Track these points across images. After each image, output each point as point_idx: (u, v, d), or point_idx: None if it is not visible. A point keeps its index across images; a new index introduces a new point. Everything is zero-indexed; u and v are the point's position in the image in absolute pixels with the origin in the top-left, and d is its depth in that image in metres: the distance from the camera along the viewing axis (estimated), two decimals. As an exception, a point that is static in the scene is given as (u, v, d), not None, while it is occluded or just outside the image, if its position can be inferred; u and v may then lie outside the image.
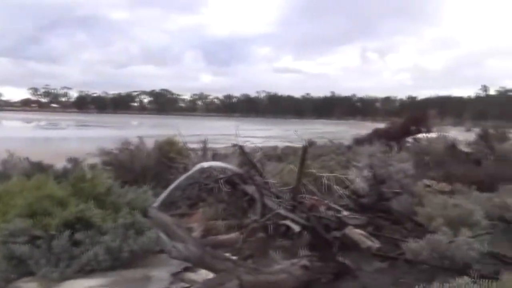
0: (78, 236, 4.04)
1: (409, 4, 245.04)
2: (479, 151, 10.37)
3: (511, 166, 9.20)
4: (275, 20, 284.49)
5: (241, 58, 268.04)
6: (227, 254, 4.42)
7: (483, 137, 11.36)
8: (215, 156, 8.40)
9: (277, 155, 14.49)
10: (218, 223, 5.98)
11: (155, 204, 5.17)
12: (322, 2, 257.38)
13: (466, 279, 3.35)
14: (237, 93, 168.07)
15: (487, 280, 3.62)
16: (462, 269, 4.09)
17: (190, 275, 3.77)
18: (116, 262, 3.98)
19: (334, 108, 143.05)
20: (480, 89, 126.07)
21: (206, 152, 8.31)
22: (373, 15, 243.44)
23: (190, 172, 4.84)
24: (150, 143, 9.27)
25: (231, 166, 6.34)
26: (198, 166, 5.10)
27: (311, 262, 4.07)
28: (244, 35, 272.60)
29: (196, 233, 5.37)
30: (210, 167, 6.13)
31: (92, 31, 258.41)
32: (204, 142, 8.45)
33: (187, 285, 3.54)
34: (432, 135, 12.43)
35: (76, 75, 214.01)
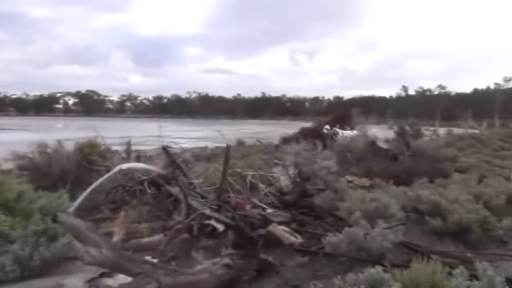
0: (-17, 246, 3.76)
1: (335, 7, 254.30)
2: (396, 148, 10.96)
3: (425, 161, 9.82)
4: (205, 21, 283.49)
5: (171, 58, 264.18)
6: (149, 257, 4.32)
7: (400, 134, 12.02)
8: (139, 157, 8.19)
9: (207, 156, 14.45)
10: (141, 225, 5.83)
11: (71, 209, 4.96)
12: (251, 4, 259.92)
13: (378, 268, 3.51)
14: (167, 94, 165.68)
15: (398, 269, 3.84)
16: (377, 259, 4.29)
17: (107, 281, 3.63)
18: (26, 272, 3.74)
19: (265, 108, 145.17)
20: (401, 89, 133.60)
21: (130, 154, 8.07)
22: (301, 18, 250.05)
23: (108, 175, 4.67)
24: (72, 146, 8.85)
25: (152, 167, 6.21)
26: (116, 168, 4.95)
27: (233, 261, 4.07)
28: (173, 35, 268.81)
29: (118, 237, 5.19)
30: (130, 169, 5.96)
31: (11, 28, 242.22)
32: (128, 143, 8.20)
33: (102, 291, 3.41)
34: (354, 132, 12.97)
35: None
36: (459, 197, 6.70)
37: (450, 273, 3.73)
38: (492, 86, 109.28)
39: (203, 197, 6.31)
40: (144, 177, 6.52)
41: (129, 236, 5.43)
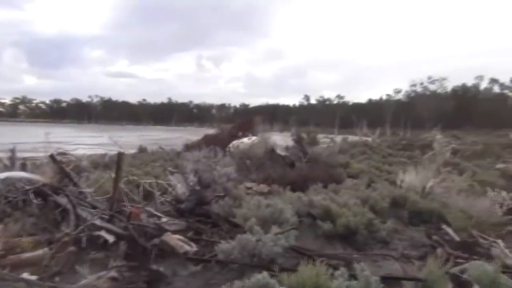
0: None
1: (242, 16, 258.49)
2: (293, 155, 11.38)
3: (320, 168, 10.30)
4: (109, 22, 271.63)
5: (71, 60, 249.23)
6: (26, 274, 4.00)
7: (297, 141, 12.51)
8: (25, 166, 7.59)
9: (105, 163, 13.85)
10: (23, 239, 5.38)
11: None
12: (158, 8, 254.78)
13: (265, 273, 3.58)
14: (67, 97, 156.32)
15: (287, 273, 3.96)
16: (267, 265, 4.39)
17: (-26, 304, 3.30)
18: None
19: (171, 114, 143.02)
20: (303, 98, 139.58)
21: (14, 162, 7.45)
22: (209, 25, 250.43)
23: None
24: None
25: (36, 176, 5.78)
26: (-8, 178, 4.52)
27: (120, 273, 3.92)
28: (74, 36, 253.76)
29: (-7, 253, 4.74)
30: (9, 178, 5.49)
31: None
32: (12, 150, 7.57)
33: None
34: (251, 140, 13.22)
35: None
36: (348, 201, 7.11)
37: (333, 275, 3.93)
38: (384, 97, 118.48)
39: (94, 207, 6.01)
40: (28, 187, 6.04)
41: (7, 252, 4.99)
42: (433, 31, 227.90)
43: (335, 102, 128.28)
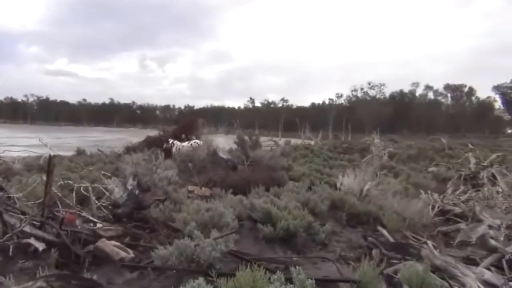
0: None
1: (187, 17, 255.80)
2: (236, 157, 11.38)
3: (262, 171, 10.37)
4: (46, 18, 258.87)
5: (5, 56, 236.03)
6: None
7: (240, 144, 12.52)
8: None
9: (40, 166, 13.23)
10: None
11: None
12: (100, 6, 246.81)
13: (201, 280, 3.54)
14: (0, 96, 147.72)
15: (224, 278, 3.92)
16: (205, 270, 4.33)
17: None
18: None
19: (113, 115, 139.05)
20: (248, 101, 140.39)
21: None
22: (153, 25, 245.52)
23: None
24: None
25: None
26: None
27: (48, 283, 3.71)
28: (7, 31, 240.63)
29: None
30: None
31: None
32: None
33: None
34: (197, 142, 13.11)
35: None
36: (288, 204, 7.18)
37: (270, 279, 3.94)
38: (327, 101, 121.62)
39: (23, 213, 5.67)
40: None
41: None
42: (373, 36, 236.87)
43: (280, 105, 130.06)
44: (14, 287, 3.74)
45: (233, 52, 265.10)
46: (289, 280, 3.78)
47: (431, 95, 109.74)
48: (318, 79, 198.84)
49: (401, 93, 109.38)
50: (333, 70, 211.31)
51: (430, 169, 15.66)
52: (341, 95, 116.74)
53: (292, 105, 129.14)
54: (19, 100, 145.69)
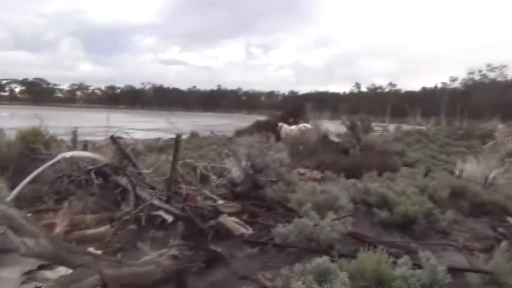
0: None
1: (291, 2, 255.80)
2: (347, 142, 11.17)
3: (374, 155, 10.07)
4: (160, 11, 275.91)
5: (125, 47, 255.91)
6: (92, 249, 4.15)
7: (351, 128, 12.26)
8: (86, 147, 7.88)
9: (159, 147, 14.21)
10: (87, 217, 5.59)
11: (9, 198, 4.70)
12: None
13: (325, 258, 3.53)
14: (120, 84, 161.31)
15: (346, 259, 3.88)
16: (325, 250, 4.33)
17: (45, 273, 3.43)
18: (-44, 265, 3.48)
19: (220, 101, 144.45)
20: (354, 86, 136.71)
21: (76, 144, 7.75)
22: (258, 11, 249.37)
23: (50, 163, 4.43)
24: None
25: (98, 156, 5.97)
26: (59, 156, 4.70)
27: (180, 251, 3.97)
28: (127, 24, 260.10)
29: (60, 228, 4.96)
30: (74, 157, 5.70)
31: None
32: (74, 133, 7.87)
33: (39, 284, 3.21)
34: (307, 126, 13.10)
35: None
36: (405, 189, 6.90)
37: (395, 263, 3.82)
38: (439, 85, 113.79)
39: (152, 188, 6.16)
40: (90, 167, 6.27)
41: (73, 228, 5.21)
42: (492, 17, 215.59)
43: (387, 90, 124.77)
44: (151, 253, 4.07)
45: (338, 36, 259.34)
46: (416, 265, 3.63)
47: None
48: (429, 62, 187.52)
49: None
50: (446, 53, 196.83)
51: None
52: (456, 79, 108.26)
53: (400, 89, 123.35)
54: (137, 87, 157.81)
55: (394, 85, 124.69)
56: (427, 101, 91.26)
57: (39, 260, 3.42)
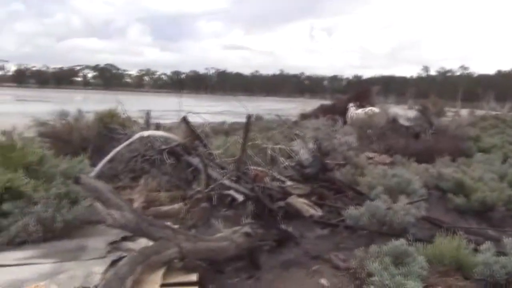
0: (6, 206, 3.78)
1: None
2: (418, 125, 10.75)
3: (447, 140, 9.63)
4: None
5: (189, 33, 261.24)
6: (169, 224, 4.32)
7: (423, 112, 11.77)
8: (159, 127, 8.17)
9: (225, 130, 14.43)
10: (161, 194, 5.84)
11: (92, 174, 4.98)
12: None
13: (402, 241, 3.45)
14: (185, 69, 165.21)
15: (421, 243, 3.77)
16: (399, 233, 4.22)
17: (128, 244, 3.64)
18: (48, 234, 3.76)
19: (283, 86, 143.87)
20: (422, 69, 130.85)
21: (149, 124, 8.05)
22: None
23: (129, 141, 4.65)
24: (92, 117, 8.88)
25: (173, 136, 6.16)
26: (137, 135, 4.92)
27: (253, 230, 4.03)
28: (191, 10, 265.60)
29: (138, 204, 5.21)
30: (151, 136, 5.92)
31: (28, 0, 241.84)
32: (148, 114, 8.18)
33: (124, 254, 3.40)
34: (374, 110, 12.76)
35: (12, 48, 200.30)
36: (483, 176, 6.57)
37: (475, 250, 3.66)
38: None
39: (222, 168, 6.28)
40: (163, 147, 6.50)
41: (148, 204, 5.45)
42: None
43: (458, 73, 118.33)
44: (224, 230, 4.17)
45: (404, 18, 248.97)
46: (500, 253, 3.45)
47: None
48: (505, 44, 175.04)
49: None
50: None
51: None
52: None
53: (473, 73, 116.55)
54: (201, 73, 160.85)
55: (466, 68, 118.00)
56: (503, 85, 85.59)
57: (122, 231, 3.62)
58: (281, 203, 5.41)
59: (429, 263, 3.35)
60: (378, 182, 5.86)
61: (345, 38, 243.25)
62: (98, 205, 3.12)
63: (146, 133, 5.48)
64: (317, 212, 5.29)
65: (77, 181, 3.22)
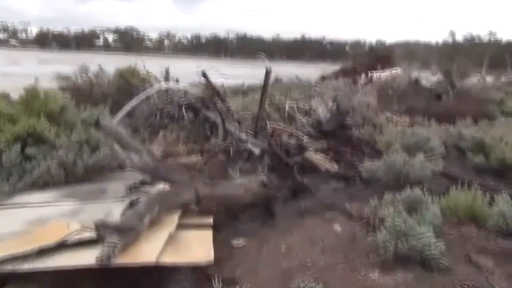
0: (30, 151, 3.91)
1: None
2: (440, 87, 10.54)
3: (470, 102, 9.44)
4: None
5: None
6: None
7: (446, 74, 11.50)
8: (178, 82, 8.19)
9: (243, 90, 14.43)
10: (179, 147, 5.92)
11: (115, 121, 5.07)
12: None
13: (417, 189, 3.46)
14: (206, 32, 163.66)
15: (437, 195, 3.78)
16: (415, 186, 4.22)
17: (147, 188, 3.74)
18: (70, 177, 3.89)
19: (304, 50, 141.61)
20: (448, 35, 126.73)
21: (169, 80, 8.07)
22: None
23: (148, 92, 4.69)
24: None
25: (191, 89, 6.19)
26: (156, 86, 4.95)
27: (269, 180, 4.09)
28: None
29: (157, 154, 5.30)
30: (169, 91, 5.96)
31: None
32: (167, 71, 8.19)
33: (142, 196, 3.50)
34: (397, 71, 12.54)
35: (34, 11, 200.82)
36: (505, 136, 6.46)
37: (490, 203, 3.65)
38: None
39: (239, 123, 6.32)
40: (182, 99, 6.54)
41: (167, 156, 5.55)
42: None
43: (486, 39, 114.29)
44: (239, 179, 4.24)
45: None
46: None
47: None
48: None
49: None
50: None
51: None
52: None
53: (501, 39, 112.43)
54: (221, 36, 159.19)
55: (494, 34, 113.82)
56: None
57: (141, 175, 3.72)
58: (298, 158, 5.44)
59: (443, 214, 3.37)
60: (396, 140, 5.82)
61: (370, 2, 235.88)
62: (118, 148, 3.20)
63: (164, 85, 5.50)
64: (333, 167, 5.32)
65: (98, 124, 3.29)
